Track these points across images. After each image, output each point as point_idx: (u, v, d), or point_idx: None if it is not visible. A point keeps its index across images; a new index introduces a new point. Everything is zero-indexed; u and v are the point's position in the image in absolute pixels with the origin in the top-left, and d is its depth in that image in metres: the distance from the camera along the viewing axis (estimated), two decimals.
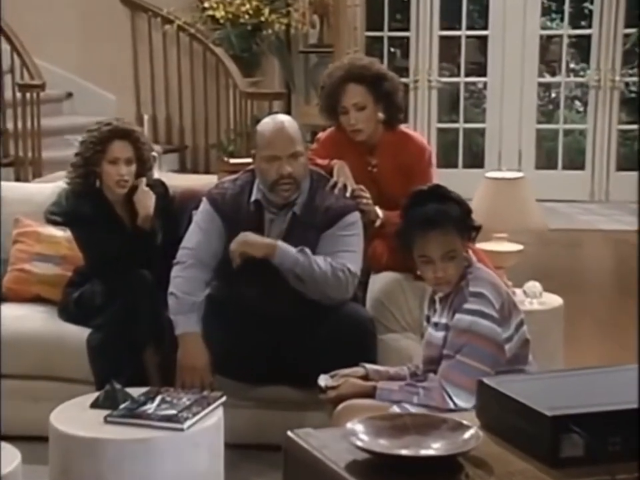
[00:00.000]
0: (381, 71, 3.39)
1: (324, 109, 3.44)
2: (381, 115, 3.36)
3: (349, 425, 1.78)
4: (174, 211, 3.55)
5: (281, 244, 3.05)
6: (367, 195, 3.25)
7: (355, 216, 3.16)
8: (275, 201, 3.14)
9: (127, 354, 3.21)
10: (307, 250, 3.05)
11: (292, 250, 3.04)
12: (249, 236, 3.07)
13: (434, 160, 3.54)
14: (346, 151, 3.39)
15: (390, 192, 3.34)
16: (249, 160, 3.34)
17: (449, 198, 2.68)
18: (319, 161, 3.35)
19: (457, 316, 2.59)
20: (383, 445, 1.74)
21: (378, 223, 3.27)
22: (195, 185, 3.81)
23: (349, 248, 3.09)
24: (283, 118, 3.19)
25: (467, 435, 1.77)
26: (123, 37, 6.71)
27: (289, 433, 1.85)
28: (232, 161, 4.48)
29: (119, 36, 6.70)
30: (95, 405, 2.80)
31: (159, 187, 3.53)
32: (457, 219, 2.64)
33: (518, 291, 3.82)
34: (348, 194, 3.19)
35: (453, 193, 2.70)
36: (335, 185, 3.21)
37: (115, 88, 6.72)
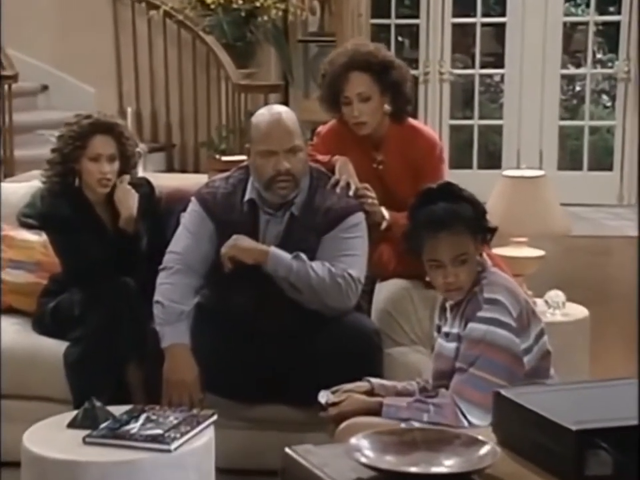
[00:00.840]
0: (387, 58, 3.41)
1: (325, 99, 3.46)
2: (387, 107, 3.38)
3: (352, 441, 1.79)
4: (160, 212, 3.57)
5: (274, 250, 3.07)
6: (372, 194, 3.27)
7: (359, 217, 3.18)
8: (271, 200, 3.16)
9: (108, 369, 3.22)
10: (303, 256, 3.07)
11: (286, 256, 3.06)
12: (241, 240, 3.09)
13: (445, 156, 3.56)
14: (349, 147, 3.41)
15: (397, 191, 3.36)
16: (243, 157, 3.36)
17: (460, 197, 2.70)
18: (320, 157, 3.37)
19: (470, 325, 2.61)
20: (390, 461, 1.75)
21: (384, 225, 3.29)
22: (184, 184, 3.82)
23: (352, 252, 3.11)
24: (280, 109, 3.21)
25: (483, 451, 1.78)
26: (104, 24, 6.74)
27: (287, 449, 1.86)
28: (224, 158, 4.50)
29: (99, 23, 6.72)
30: (72, 424, 2.81)
31: (144, 186, 3.55)
32: (469, 220, 2.66)
33: (539, 301, 3.83)
34: (351, 193, 3.21)
35: (465, 192, 2.72)
36: (337, 183, 3.22)
37: (95, 80, 6.75)
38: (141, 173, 3.78)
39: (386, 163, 3.43)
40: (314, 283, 3.05)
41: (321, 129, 3.58)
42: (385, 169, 3.43)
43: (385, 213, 3.29)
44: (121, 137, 3.47)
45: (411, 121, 3.50)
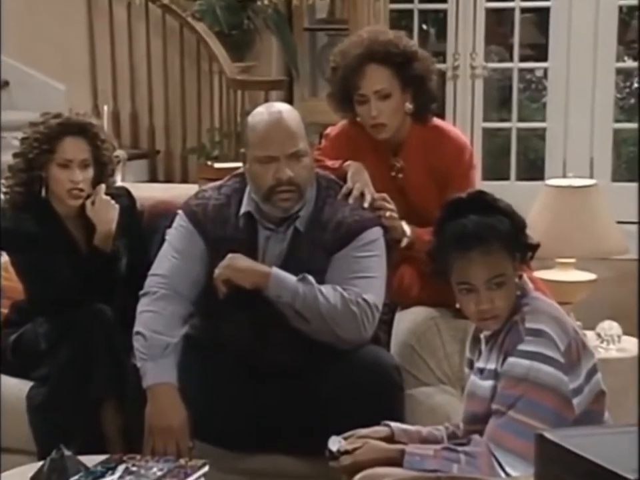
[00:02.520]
0: (410, 49, 3.44)
1: (335, 97, 3.48)
2: (409, 106, 3.41)
3: None
4: (142, 227, 3.59)
5: (276, 271, 3.09)
6: (391, 206, 3.28)
7: (375, 233, 3.19)
8: (272, 214, 3.18)
9: (80, 413, 3.25)
10: (310, 278, 3.08)
11: (290, 279, 3.08)
12: (237, 259, 3.11)
13: (477, 163, 3.57)
14: (363, 152, 3.43)
15: (420, 203, 3.38)
16: (240, 164, 3.39)
17: (495, 208, 2.72)
18: (328, 163, 3.39)
19: (510, 360, 2.61)
20: None
21: (405, 242, 3.30)
22: (169, 196, 3.86)
23: (367, 273, 3.12)
24: (281, 107, 3.23)
25: None
26: (76, 9, 6.77)
27: None
28: (217, 165, 4.54)
29: (70, 8, 6.75)
30: (37, 477, 2.81)
31: (123, 197, 3.58)
32: (505, 235, 2.67)
33: (590, 333, 3.85)
34: (366, 204, 3.22)
35: (500, 202, 2.74)
36: (350, 192, 3.24)
37: (65, 75, 6.77)
38: (119, 183, 3.81)
39: (406, 170, 3.45)
40: (323, 310, 3.06)
41: (330, 130, 3.60)
42: (406, 177, 3.45)
43: (406, 228, 3.31)
44: (95, 139, 3.49)
45: (436, 121, 3.52)
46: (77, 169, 3.45)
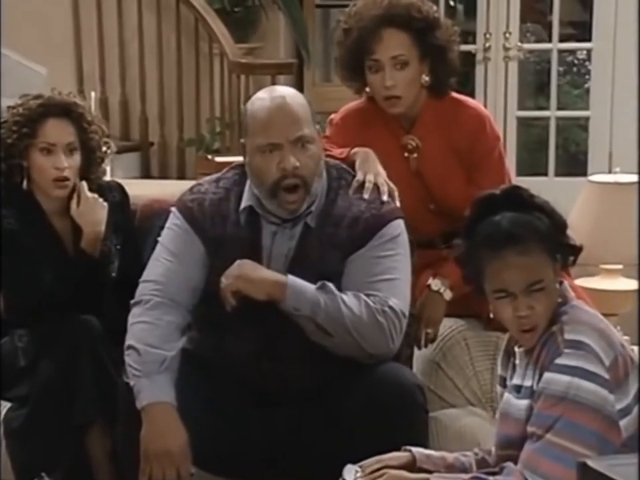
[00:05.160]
0: (432, 14, 3.45)
1: (344, 62, 3.48)
2: (425, 78, 3.42)
3: None
4: (135, 229, 3.59)
5: (293, 280, 3.05)
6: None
7: (397, 227, 3.18)
8: (278, 214, 3.16)
9: (64, 437, 3.25)
10: (331, 286, 3.06)
11: (309, 288, 3.06)
12: (248, 268, 3.08)
13: (509, 155, 3.57)
14: (372, 129, 3.45)
15: (440, 188, 3.41)
16: (241, 158, 3.39)
17: (532, 205, 2.72)
18: (335, 152, 3.38)
19: (547, 376, 2.61)
20: None
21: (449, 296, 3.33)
22: (164, 194, 3.86)
23: (390, 275, 3.11)
24: (284, 91, 3.24)
25: None
26: None
27: None
28: (218, 159, 4.55)
29: None
30: None
31: (114, 191, 3.58)
32: (544, 234, 2.67)
33: (637, 349, 3.84)
34: (385, 197, 3.20)
35: (537, 198, 2.74)
36: (362, 185, 3.22)
37: (46, 58, 6.77)
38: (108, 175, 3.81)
39: (422, 149, 3.46)
40: (348, 322, 3.04)
41: (333, 116, 3.60)
42: (421, 157, 3.46)
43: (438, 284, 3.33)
44: (81, 120, 3.50)
45: (452, 94, 3.52)
46: (61, 154, 3.44)
